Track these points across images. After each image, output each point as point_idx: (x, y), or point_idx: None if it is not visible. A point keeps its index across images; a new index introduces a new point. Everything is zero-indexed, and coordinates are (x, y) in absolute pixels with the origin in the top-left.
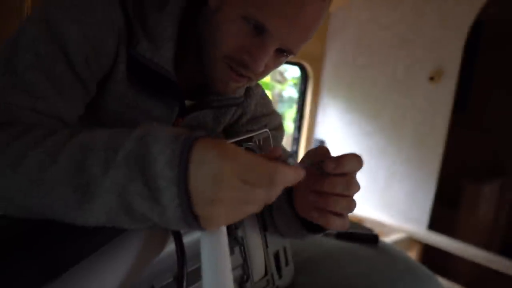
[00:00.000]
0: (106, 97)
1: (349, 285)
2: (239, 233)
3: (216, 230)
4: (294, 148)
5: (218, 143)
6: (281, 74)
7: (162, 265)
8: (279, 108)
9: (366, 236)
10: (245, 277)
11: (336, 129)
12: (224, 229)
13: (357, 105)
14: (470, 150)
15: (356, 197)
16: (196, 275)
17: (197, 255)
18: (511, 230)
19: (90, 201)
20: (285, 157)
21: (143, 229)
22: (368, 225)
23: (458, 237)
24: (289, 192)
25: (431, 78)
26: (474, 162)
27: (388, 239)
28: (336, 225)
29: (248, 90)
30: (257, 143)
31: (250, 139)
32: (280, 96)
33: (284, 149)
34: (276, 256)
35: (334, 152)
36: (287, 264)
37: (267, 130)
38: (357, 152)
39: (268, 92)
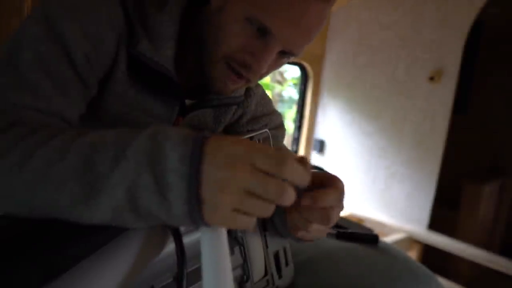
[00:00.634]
0: (106, 96)
1: (349, 285)
2: (239, 233)
3: (216, 229)
4: (294, 148)
5: (230, 136)
6: (281, 74)
7: (162, 265)
8: (279, 108)
9: (366, 236)
10: (245, 277)
11: (336, 129)
12: (224, 228)
13: (357, 105)
14: (470, 150)
15: (356, 197)
16: (196, 275)
17: (197, 256)
18: (511, 230)
19: (97, 197)
20: None
21: (145, 228)
22: (368, 225)
23: (458, 237)
24: None
25: (431, 78)
26: (474, 162)
27: (388, 239)
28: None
29: (248, 90)
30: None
31: (250, 139)
32: (280, 96)
33: (285, 149)
34: (276, 256)
35: (331, 160)
36: (287, 264)
37: (267, 130)
38: (357, 152)
39: (268, 92)
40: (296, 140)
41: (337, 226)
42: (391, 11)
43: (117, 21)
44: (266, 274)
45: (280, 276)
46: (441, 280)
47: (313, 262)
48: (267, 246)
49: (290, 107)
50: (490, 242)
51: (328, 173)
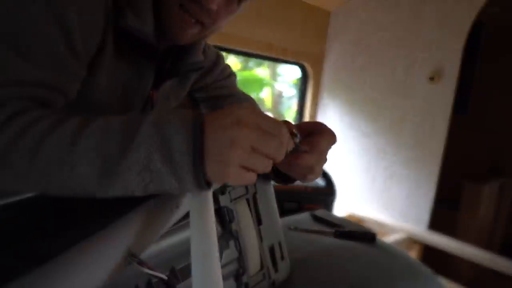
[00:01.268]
0: (93, 72)
1: (347, 281)
2: (234, 226)
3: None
4: None
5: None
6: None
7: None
8: (279, 108)
9: (363, 235)
10: (241, 270)
11: (336, 130)
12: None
13: (357, 105)
14: (470, 150)
15: (356, 197)
16: (187, 271)
17: (187, 253)
18: (511, 230)
19: (110, 180)
20: None
21: (141, 216)
22: (368, 226)
23: (458, 237)
24: None
25: (431, 79)
26: (474, 162)
27: (388, 239)
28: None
29: (204, 51)
30: None
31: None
32: (280, 96)
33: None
34: (272, 250)
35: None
36: (282, 258)
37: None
38: (357, 152)
39: (268, 92)
40: None
41: (335, 225)
42: (391, 11)
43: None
44: (262, 267)
45: (276, 270)
46: (441, 280)
47: (311, 259)
48: (261, 240)
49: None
50: (490, 242)
51: (314, 122)
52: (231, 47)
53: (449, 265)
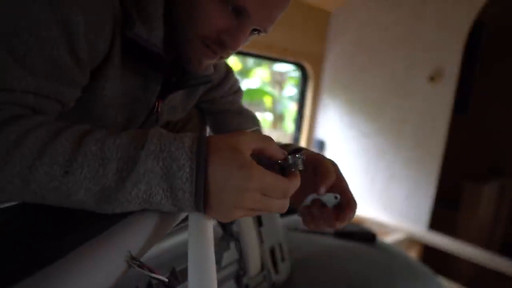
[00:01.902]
0: (100, 81)
1: (347, 281)
2: (234, 228)
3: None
4: None
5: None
6: (281, 74)
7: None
8: (279, 108)
9: (363, 235)
10: (241, 272)
11: (336, 130)
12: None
13: (357, 105)
14: (470, 150)
15: (355, 197)
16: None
17: (186, 255)
18: (511, 230)
19: (109, 205)
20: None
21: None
22: (368, 226)
23: (458, 237)
24: None
25: (431, 79)
26: (474, 162)
27: (388, 239)
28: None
29: (214, 66)
30: None
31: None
32: (280, 96)
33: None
34: (272, 252)
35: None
36: (283, 260)
37: (258, 127)
38: (357, 152)
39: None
40: (296, 140)
41: None
42: (391, 11)
43: (112, 5)
44: (262, 269)
45: (276, 271)
46: (441, 280)
47: (311, 259)
48: (262, 242)
49: (290, 107)
50: (490, 242)
51: (318, 159)
52: None
53: (449, 265)
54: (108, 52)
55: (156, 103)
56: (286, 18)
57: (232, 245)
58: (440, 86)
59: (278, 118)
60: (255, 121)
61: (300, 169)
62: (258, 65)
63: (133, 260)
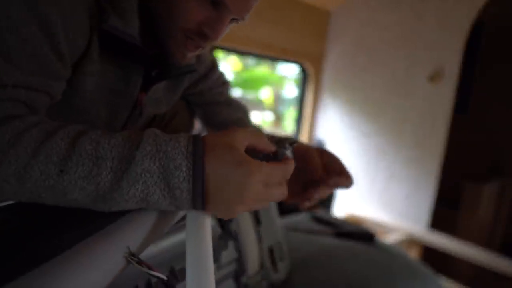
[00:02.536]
0: (79, 76)
1: (347, 280)
2: (233, 227)
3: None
4: None
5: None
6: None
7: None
8: (280, 108)
9: (362, 235)
10: (240, 271)
11: (336, 130)
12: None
13: (357, 105)
14: (470, 150)
15: (355, 197)
16: (184, 273)
17: (185, 254)
18: (511, 230)
19: (105, 205)
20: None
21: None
22: (368, 226)
23: (458, 237)
24: None
25: (431, 79)
26: (474, 162)
27: (388, 239)
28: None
29: (198, 56)
30: None
31: None
32: (280, 96)
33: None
34: (271, 251)
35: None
36: (282, 259)
37: (249, 119)
38: (357, 152)
39: (268, 92)
40: None
41: (334, 225)
42: (391, 11)
43: (88, 2)
44: (261, 268)
45: (275, 270)
46: (441, 280)
47: (311, 259)
48: (261, 241)
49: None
50: (490, 242)
51: (305, 148)
52: (231, 46)
53: (449, 265)
54: (86, 49)
55: (139, 96)
56: (286, 17)
57: (231, 244)
58: (440, 85)
59: (278, 118)
60: (245, 111)
61: (290, 157)
62: (258, 65)
63: (132, 257)
